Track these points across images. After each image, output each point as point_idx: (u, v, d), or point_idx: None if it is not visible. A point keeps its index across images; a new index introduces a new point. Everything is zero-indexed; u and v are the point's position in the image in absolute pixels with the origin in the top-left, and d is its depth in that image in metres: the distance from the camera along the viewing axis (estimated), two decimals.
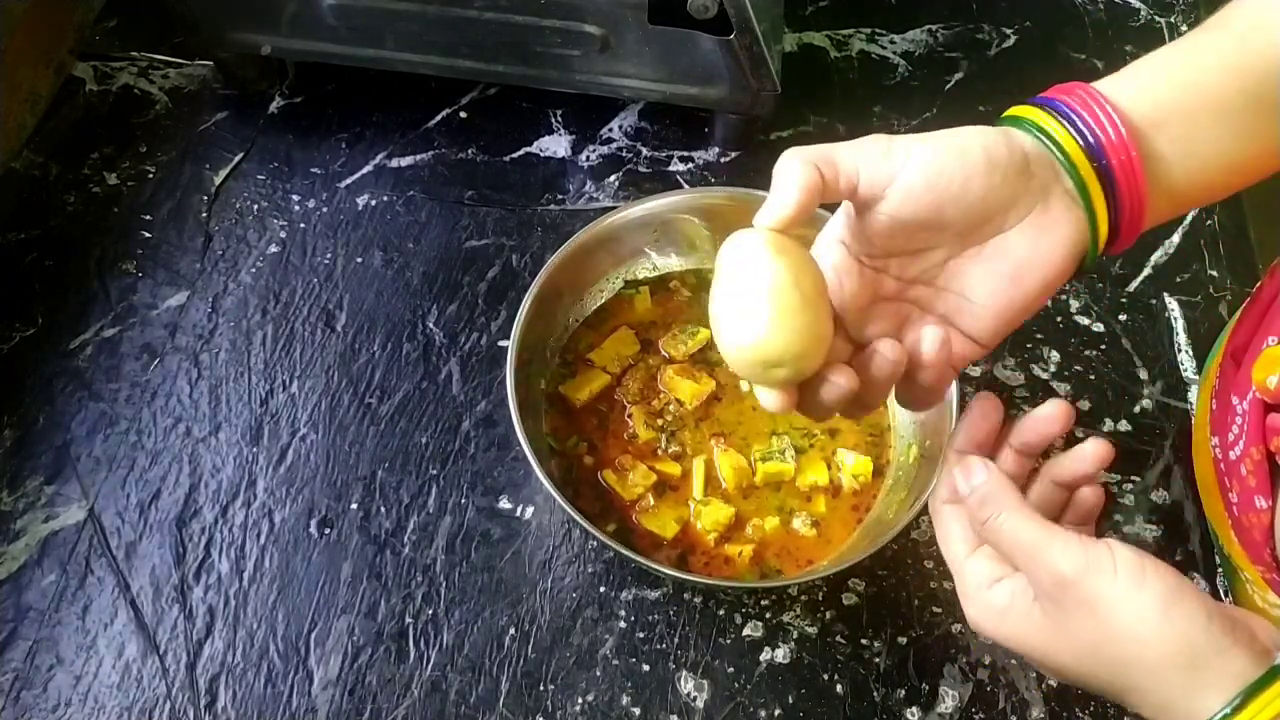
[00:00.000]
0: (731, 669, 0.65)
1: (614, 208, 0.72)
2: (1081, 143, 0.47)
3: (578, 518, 0.60)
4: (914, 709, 0.64)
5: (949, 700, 0.65)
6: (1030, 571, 0.45)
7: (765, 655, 0.66)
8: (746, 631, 0.67)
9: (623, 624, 0.67)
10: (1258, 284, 0.67)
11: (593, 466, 0.68)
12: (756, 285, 0.43)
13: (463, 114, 0.90)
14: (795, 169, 0.44)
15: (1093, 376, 0.77)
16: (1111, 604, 0.42)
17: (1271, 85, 0.48)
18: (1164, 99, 0.48)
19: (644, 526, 0.66)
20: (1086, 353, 0.78)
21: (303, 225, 0.83)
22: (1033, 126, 0.48)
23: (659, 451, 0.69)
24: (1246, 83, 0.48)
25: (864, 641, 0.66)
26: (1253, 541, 0.61)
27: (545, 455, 0.67)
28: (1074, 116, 0.47)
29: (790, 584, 0.67)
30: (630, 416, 0.70)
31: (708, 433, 0.70)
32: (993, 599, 0.46)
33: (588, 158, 0.87)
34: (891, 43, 0.96)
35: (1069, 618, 0.44)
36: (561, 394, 0.71)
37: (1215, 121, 0.49)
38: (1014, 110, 0.49)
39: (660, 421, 0.70)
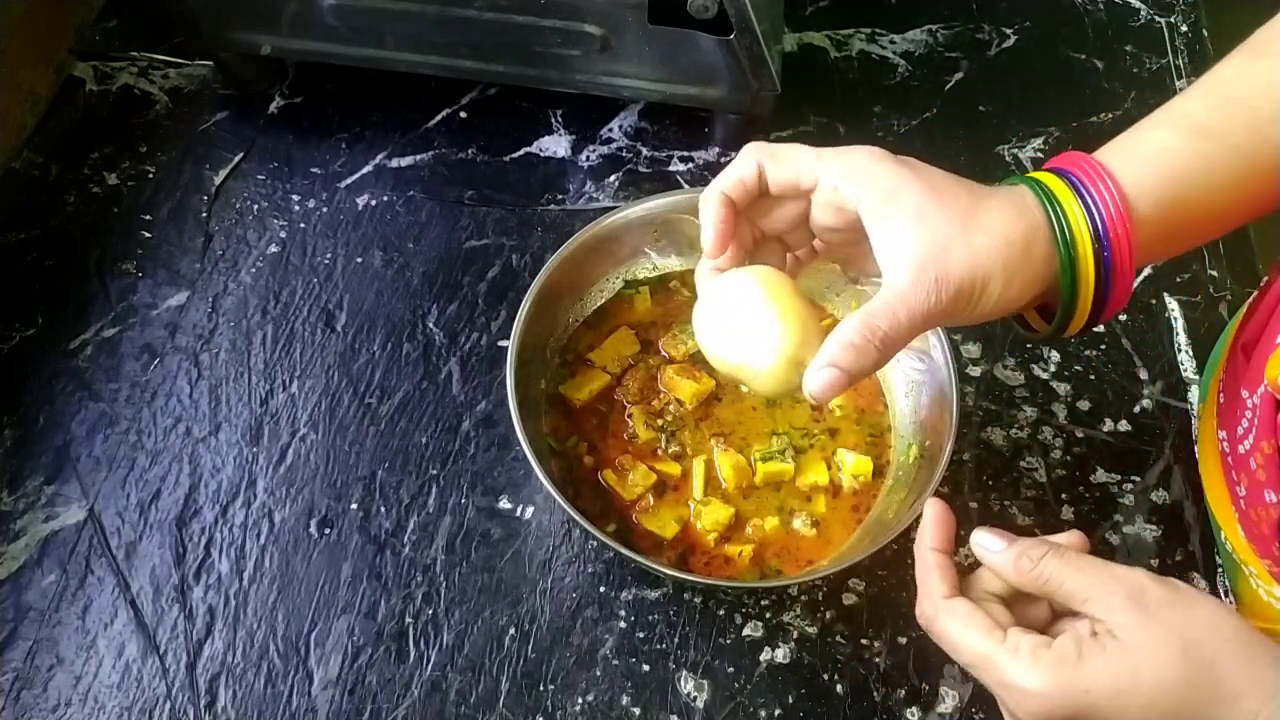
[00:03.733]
0: (731, 669, 0.65)
1: (614, 208, 0.72)
2: (1092, 233, 0.48)
3: (578, 518, 0.60)
4: (914, 709, 0.64)
5: (949, 700, 0.65)
6: (1095, 598, 0.43)
7: (765, 655, 0.66)
8: (746, 631, 0.67)
9: (623, 624, 0.67)
10: (1265, 278, 0.67)
11: (593, 466, 0.68)
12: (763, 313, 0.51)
13: (463, 114, 0.90)
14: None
15: (1093, 376, 0.77)
16: (1190, 593, 0.43)
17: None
18: (1168, 209, 0.50)
19: (644, 526, 0.66)
20: (1086, 353, 0.78)
21: (303, 225, 0.83)
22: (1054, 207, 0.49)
23: (659, 451, 0.69)
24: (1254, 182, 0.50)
25: (864, 641, 0.66)
26: (1260, 536, 0.61)
27: (545, 455, 0.67)
28: (1093, 212, 0.49)
29: (790, 584, 0.67)
30: (630, 416, 0.70)
31: (708, 433, 0.70)
32: (1059, 651, 0.43)
33: (588, 158, 0.87)
34: (891, 43, 0.96)
35: (1154, 621, 0.42)
36: (561, 394, 0.71)
37: (1207, 222, 0.52)
38: (1045, 178, 0.50)
39: (660, 421, 0.70)
